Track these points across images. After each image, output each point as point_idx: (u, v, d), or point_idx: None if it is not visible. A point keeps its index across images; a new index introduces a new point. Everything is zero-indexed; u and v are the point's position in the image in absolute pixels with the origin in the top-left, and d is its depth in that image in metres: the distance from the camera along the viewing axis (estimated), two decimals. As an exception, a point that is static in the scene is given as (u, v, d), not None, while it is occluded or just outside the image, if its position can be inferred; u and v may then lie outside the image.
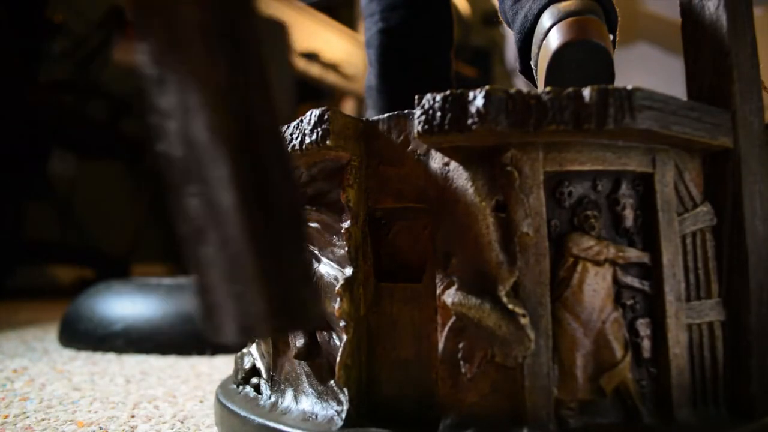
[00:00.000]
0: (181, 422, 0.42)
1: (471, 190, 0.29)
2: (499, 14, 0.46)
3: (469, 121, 0.28)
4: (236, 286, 0.17)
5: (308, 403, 0.33)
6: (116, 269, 1.68)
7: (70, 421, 0.41)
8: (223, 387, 0.41)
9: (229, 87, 0.16)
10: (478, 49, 2.04)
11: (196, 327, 0.70)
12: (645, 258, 0.31)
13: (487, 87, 0.28)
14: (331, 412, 0.32)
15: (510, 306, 0.28)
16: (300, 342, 0.34)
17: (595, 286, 0.29)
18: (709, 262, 0.33)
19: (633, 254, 0.30)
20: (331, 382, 0.32)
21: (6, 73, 1.43)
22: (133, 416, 0.43)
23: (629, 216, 0.31)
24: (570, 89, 0.28)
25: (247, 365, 0.40)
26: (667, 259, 0.31)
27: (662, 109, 0.29)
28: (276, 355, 0.37)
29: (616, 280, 0.30)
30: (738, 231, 0.32)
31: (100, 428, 0.39)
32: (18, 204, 1.58)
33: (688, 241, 0.32)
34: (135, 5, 0.19)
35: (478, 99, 0.28)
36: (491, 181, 0.29)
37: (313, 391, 0.33)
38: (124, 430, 0.39)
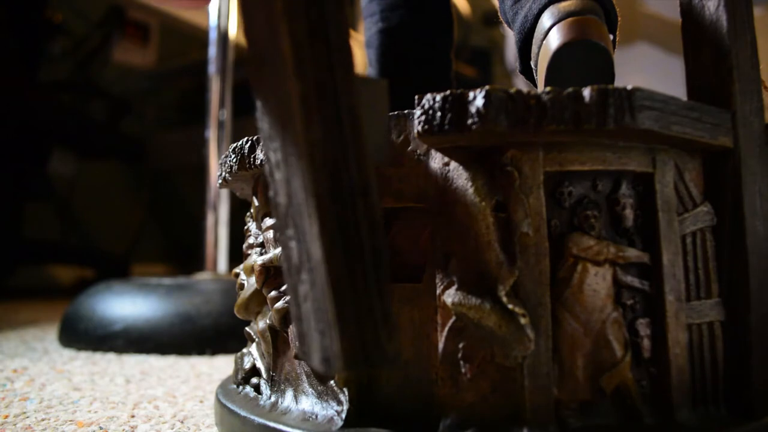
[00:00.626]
0: (181, 422, 0.42)
1: (471, 190, 0.29)
2: (499, 14, 0.46)
3: (469, 121, 0.28)
4: (320, 323, 0.19)
5: (308, 403, 0.33)
6: (116, 269, 1.69)
7: (70, 421, 0.41)
8: (223, 387, 0.41)
9: (322, 148, 0.19)
10: (478, 49, 2.04)
11: (196, 327, 0.70)
12: (645, 258, 0.31)
13: (487, 87, 0.28)
14: (331, 412, 0.32)
15: (510, 306, 0.28)
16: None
17: (595, 286, 0.29)
18: (709, 262, 0.33)
19: (633, 254, 0.30)
20: (331, 382, 0.32)
21: (6, 73, 1.43)
22: (133, 416, 0.43)
23: (629, 216, 0.31)
24: (570, 89, 0.28)
25: (247, 365, 0.40)
26: (667, 259, 0.31)
27: (662, 110, 0.29)
28: (276, 356, 0.37)
29: (616, 280, 0.30)
30: (738, 231, 0.32)
31: (100, 428, 0.39)
32: (18, 204, 1.58)
33: (688, 241, 0.32)
34: (252, 81, 0.22)
35: (478, 99, 0.28)
36: (491, 181, 0.29)
37: (313, 391, 0.33)
38: (124, 430, 0.39)
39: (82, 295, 0.77)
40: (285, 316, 0.35)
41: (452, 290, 0.29)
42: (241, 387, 0.40)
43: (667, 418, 0.30)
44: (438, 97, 0.28)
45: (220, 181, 0.42)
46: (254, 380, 0.39)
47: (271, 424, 0.32)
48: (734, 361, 0.32)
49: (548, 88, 0.28)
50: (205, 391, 0.51)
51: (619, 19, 0.38)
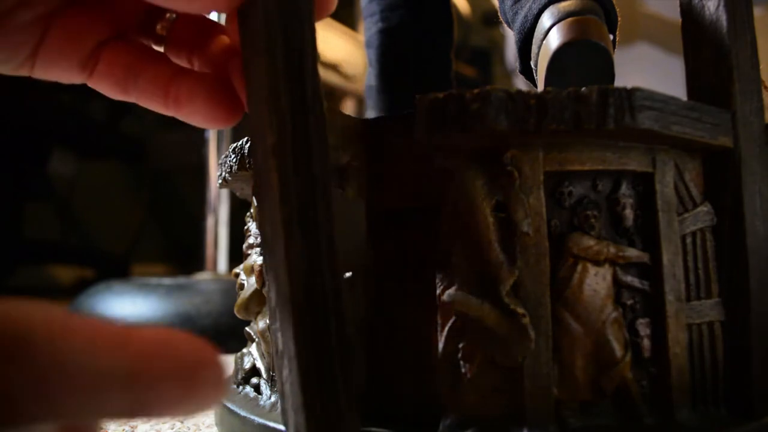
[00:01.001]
0: (181, 422, 0.42)
1: (471, 190, 0.29)
2: (499, 14, 0.46)
3: (470, 122, 0.28)
4: (295, 404, 0.23)
5: (308, 403, 0.34)
6: (116, 269, 1.69)
7: (70, 421, 0.41)
8: None
9: (299, 260, 0.22)
10: (478, 49, 2.04)
11: (196, 327, 0.70)
12: (645, 258, 0.31)
13: (487, 87, 0.28)
14: (331, 412, 0.32)
15: (511, 306, 0.28)
16: None
17: (595, 286, 0.29)
18: (709, 262, 0.33)
19: (633, 254, 0.30)
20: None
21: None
22: (132, 416, 0.43)
23: (629, 216, 0.31)
24: (570, 89, 0.28)
25: (247, 365, 0.40)
26: (667, 259, 0.31)
27: (662, 110, 0.29)
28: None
29: (616, 280, 0.30)
30: (738, 231, 0.32)
31: (100, 428, 0.39)
32: (18, 204, 1.58)
33: (688, 241, 0.32)
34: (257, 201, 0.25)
35: (478, 99, 0.28)
36: (491, 181, 0.29)
37: (313, 391, 0.34)
38: (124, 430, 0.39)
39: (82, 295, 0.77)
40: None
41: (452, 290, 0.29)
42: (241, 387, 0.40)
43: (667, 418, 0.30)
44: (438, 98, 0.28)
45: (220, 181, 0.42)
46: (254, 380, 0.39)
47: (271, 424, 0.32)
48: (734, 361, 0.32)
49: (548, 88, 0.28)
50: (205, 391, 0.51)
51: (619, 19, 0.38)
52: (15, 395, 0.15)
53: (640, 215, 0.31)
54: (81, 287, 0.89)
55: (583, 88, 0.28)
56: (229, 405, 0.37)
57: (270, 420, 0.33)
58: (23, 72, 0.29)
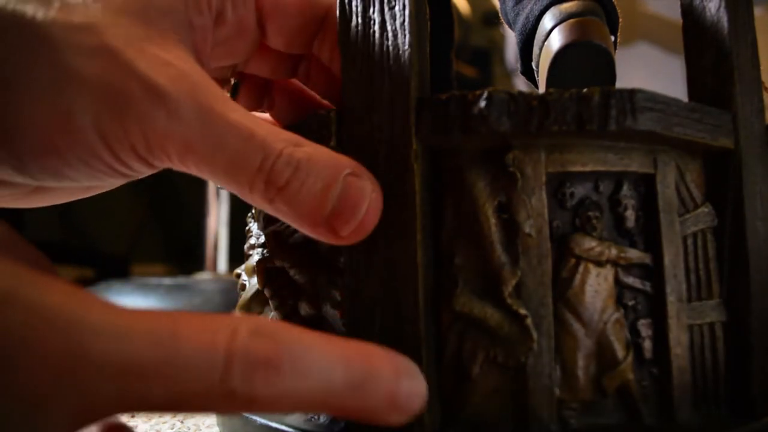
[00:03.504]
0: (181, 422, 0.42)
1: (474, 192, 0.29)
2: (500, 15, 0.46)
3: (472, 123, 0.28)
4: None
5: (310, 403, 0.34)
6: (116, 269, 1.69)
7: (71, 421, 0.41)
8: None
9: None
10: (478, 49, 2.04)
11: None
12: (646, 259, 0.31)
13: (489, 88, 0.28)
14: (333, 412, 0.32)
15: (513, 307, 0.28)
16: None
17: (597, 287, 0.30)
18: (710, 263, 0.33)
19: (635, 255, 0.30)
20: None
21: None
22: (133, 416, 0.43)
23: (631, 217, 0.31)
24: (571, 90, 0.28)
25: None
26: (668, 260, 0.31)
27: (664, 111, 0.29)
28: None
29: (617, 281, 0.30)
30: (739, 232, 0.32)
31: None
32: (18, 204, 1.57)
33: (689, 242, 0.32)
34: None
35: (480, 100, 0.28)
36: (493, 183, 0.29)
37: (315, 392, 0.33)
38: (124, 430, 0.39)
39: (83, 295, 0.77)
40: (286, 318, 0.35)
41: (455, 291, 0.29)
42: None
43: (668, 419, 0.30)
44: (440, 99, 0.28)
45: None
46: None
47: (273, 425, 0.32)
48: (736, 361, 0.32)
49: (550, 90, 0.28)
50: (205, 392, 0.51)
51: (620, 19, 0.38)
52: None
53: (642, 216, 0.31)
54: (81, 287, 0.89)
55: (585, 90, 0.28)
56: None
57: (272, 420, 0.33)
58: None
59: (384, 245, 0.28)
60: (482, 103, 0.27)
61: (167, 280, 0.78)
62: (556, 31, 0.34)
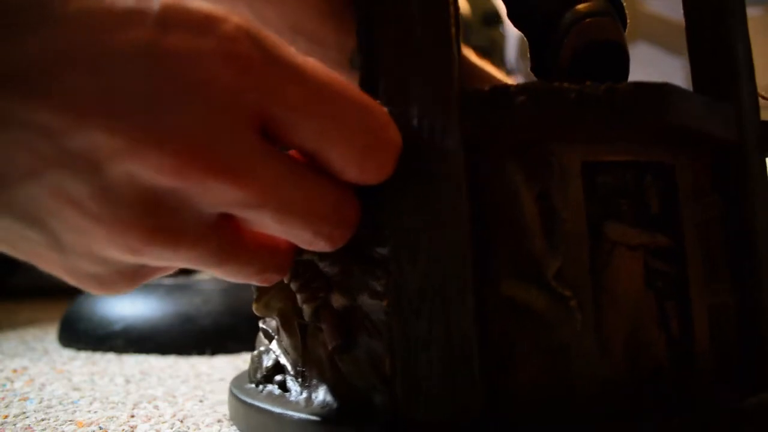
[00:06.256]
0: (181, 422, 0.41)
1: (514, 181, 0.30)
2: (504, 16, 0.46)
3: (515, 114, 0.29)
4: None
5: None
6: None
7: (70, 421, 0.41)
8: (239, 388, 0.40)
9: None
10: (478, 49, 2.04)
11: (196, 327, 0.70)
12: (670, 243, 0.32)
13: (530, 81, 0.29)
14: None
15: (558, 289, 0.29)
16: (335, 338, 0.33)
17: (630, 271, 0.31)
18: (721, 249, 0.34)
19: (662, 240, 0.32)
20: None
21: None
22: (132, 416, 0.42)
23: (655, 204, 0.32)
24: (607, 84, 0.29)
25: (269, 363, 0.39)
26: (689, 244, 0.32)
27: (688, 106, 0.31)
28: (305, 350, 0.36)
29: (646, 265, 0.32)
30: (748, 220, 0.34)
31: (100, 428, 0.39)
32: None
33: (702, 228, 0.34)
34: None
35: (523, 92, 0.29)
36: (532, 172, 0.30)
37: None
38: (123, 430, 0.39)
39: (82, 295, 0.76)
40: (316, 311, 0.34)
41: (501, 276, 0.30)
42: (261, 386, 0.40)
43: (694, 394, 0.31)
44: (485, 91, 0.29)
45: None
46: (278, 377, 0.39)
47: (312, 418, 0.32)
48: (749, 340, 0.34)
49: (587, 83, 0.29)
50: (204, 391, 0.51)
51: (627, 19, 0.39)
52: None
53: (662, 204, 0.33)
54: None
55: (619, 84, 0.29)
56: (257, 403, 0.36)
57: (308, 414, 0.33)
58: None
59: (430, 234, 0.28)
60: (523, 96, 0.28)
61: (167, 280, 0.77)
62: (575, 29, 0.35)
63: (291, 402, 0.36)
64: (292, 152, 0.26)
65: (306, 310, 0.35)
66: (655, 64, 1.35)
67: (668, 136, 0.32)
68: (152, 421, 0.41)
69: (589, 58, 0.35)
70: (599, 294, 0.30)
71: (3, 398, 0.46)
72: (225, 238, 0.26)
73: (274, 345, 0.40)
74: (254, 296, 0.39)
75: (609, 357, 0.30)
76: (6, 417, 0.41)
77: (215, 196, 0.23)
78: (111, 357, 0.65)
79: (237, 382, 0.42)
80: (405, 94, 0.29)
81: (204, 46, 0.22)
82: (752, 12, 1.26)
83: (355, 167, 0.26)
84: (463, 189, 0.28)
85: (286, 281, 0.36)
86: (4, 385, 0.51)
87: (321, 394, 0.35)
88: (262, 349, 0.41)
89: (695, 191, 0.34)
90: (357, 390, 0.33)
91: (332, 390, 0.34)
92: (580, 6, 0.35)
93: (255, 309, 0.40)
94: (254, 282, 0.30)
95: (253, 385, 0.40)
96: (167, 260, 0.25)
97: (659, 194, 0.32)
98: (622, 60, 0.36)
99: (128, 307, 0.70)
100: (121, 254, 0.24)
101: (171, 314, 0.70)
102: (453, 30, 0.29)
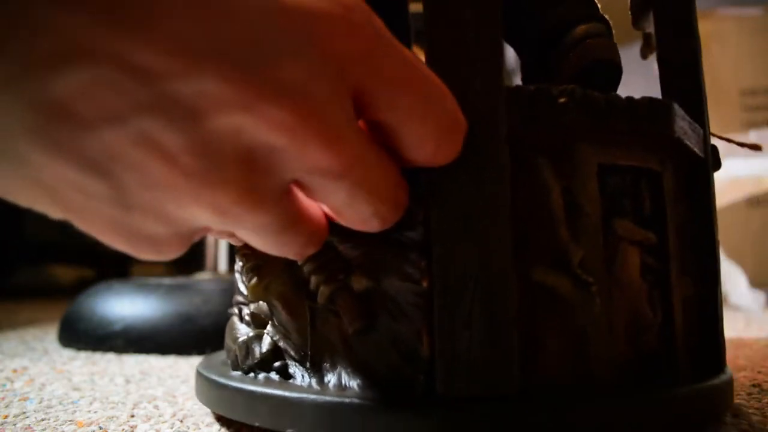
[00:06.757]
0: (181, 421, 0.41)
1: (545, 177, 0.33)
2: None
3: (556, 115, 0.31)
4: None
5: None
6: (116, 269, 1.69)
7: (70, 421, 0.40)
8: (225, 376, 0.39)
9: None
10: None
11: (196, 327, 0.70)
12: (656, 241, 0.37)
13: (569, 85, 0.32)
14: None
15: (583, 276, 0.32)
16: (357, 320, 0.33)
17: (631, 263, 0.35)
18: (688, 247, 0.39)
19: (652, 237, 0.36)
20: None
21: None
22: (132, 416, 0.42)
23: (647, 206, 0.37)
24: (627, 97, 0.33)
25: (264, 348, 0.38)
26: (672, 242, 0.37)
27: (683, 123, 0.36)
28: (314, 333, 0.36)
29: (640, 259, 0.36)
30: (709, 224, 0.40)
31: (100, 428, 0.39)
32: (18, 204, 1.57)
33: (679, 229, 0.38)
34: None
35: (564, 95, 0.32)
36: (559, 169, 0.33)
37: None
38: (123, 429, 0.39)
39: (82, 295, 0.76)
40: (336, 291, 0.34)
41: (532, 262, 0.32)
42: (254, 373, 0.39)
43: (675, 375, 0.36)
44: (530, 90, 0.31)
45: None
46: (277, 363, 0.38)
47: (335, 399, 0.32)
48: (705, 326, 0.39)
49: (612, 94, 0.33)
50: (204, 391, 0.51)
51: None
52: None
53: (652, 206, 0.37)
54: (81, 287, 0.89)
55: (636, 98, 0.33)
56: (264, 390, 0.35)
57: (326, 395, 0.32)
58: None
59: (475, 220, 0.30)
60: (564, 98, 0.31)
61: (167, 280, 0.77)
62: (580, 48, 0.39)
63: (302, 386, 0.35)
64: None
65: (323, 291, 0.34)
66: (655, 64, 1.35)
67: (661, 145, 0.36)
68: (152, 421, 0.41)
69: (589, 74, 0.39)
70: (611, 284, 0.34)
71: (3, 398, 0.46)
72: (290, 206, 0.25)
73: (269, 329, 0.38)
74: (249, 280, 0.39)
75: (616, 339, 0.33)
76: (6, 417, 0.41)
77: (308, 160, 0.22)
78: (111, 357, 0.65)
79: (212, 371, 0.40)
80: (457, 86, 0.30)
81: (324, 6, 0.21)
82: (752, 12, 1.26)
83: (432, 146, 0.26)
84: (506, 179, 0.30)
85: (300, 262, 0.35)
86: (4, 385, 0.51)
87: (334, 378, 0.34)
88: (249, 335, 0.39)
89: (675, 196, 0.38)
90: (375, 372, 0.33)
91: (348, 373, 0.34)
92: (581, 28, 0.39)
93: (251, 293, 0.39)
94: (291, 255, 0.29)
95: (240, 373, 0.39)
96: (240, 224, 0.24)
97: (650, 197, 0.37)
98: (615, 76, 0.40)
99: (128, 307, 0.70)
100: (202, 213, 0.22)
101: (171, 314, 0.70)
102: (500, 31, 0.31)
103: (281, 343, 0.38)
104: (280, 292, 0.37)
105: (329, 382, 0.35)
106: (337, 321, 0.35)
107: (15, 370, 0.57)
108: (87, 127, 0.19)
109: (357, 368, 0.34)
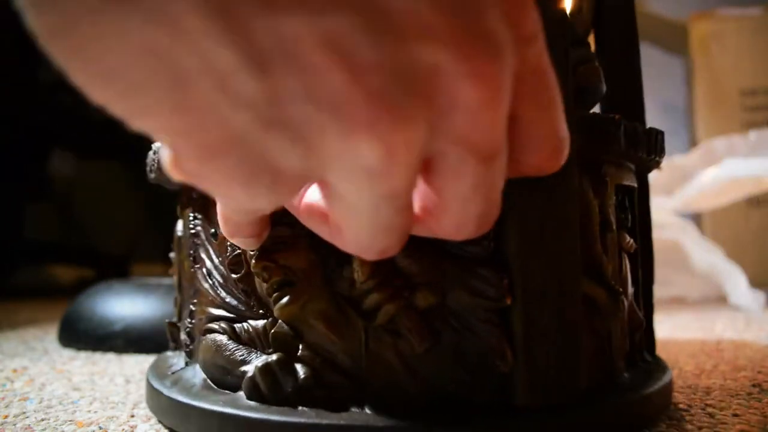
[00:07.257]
0: (181, 422, 0.42)
1: (591, 196, 0.36)
2: None
3: (611, 141, 0.36)
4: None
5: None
6: (116, 269, 1.68)
7: (70, 421, 0.41)
8: (263, 410, 0.32)
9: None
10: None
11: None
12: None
13: (616, 114, 0.36)
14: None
15: (616, 286, 0.36)
16: (426, 339, 0.32)
17: (627, 271, 0.40)
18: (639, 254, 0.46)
19: (634, 245, 0.42)
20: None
21: (6, 73, 1.43)
22: (132, 416, 0.42)
23: (630, 219, 0.42)
24: (637, 126, 0.38)
25: (302, 374, 0.33)
26: (642, 250, 0.43)
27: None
28: (368, 354, 0.33)
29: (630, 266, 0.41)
30: (648, 233, 0.45)
31: (100, 428, 0.39)
32: (18, 204, 1.58)
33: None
34: None
35: (616, 124, 0.36)
36: (596, 188, 0.36)
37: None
38: (123, 430, 0.39)
39: (82, 295, 0.76)
40: (401, 309, 0.33)
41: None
42: (289, 405, 0.33)
43: (657, 365, 0.42)
44: (595, 119, 0.36)
45: (151, 175, 0.42)
46: (320, 392, 0.33)
47: (415, 424, 0.31)
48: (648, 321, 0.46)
49: (634, 123, 0.38)
50: (204, 391, 0.51)
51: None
52: None
53: (632, 219, 0.43)
54: (81, 287, 0.89)
55: (647, 127, 0.39)
56: (326, 422, 0.31)
57: (399, 420, 0.30)
58: None
59: (551, 235, 0.31)
60: (623, 126, 0.36)
61: (167, 280, 0.76)
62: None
63: (360, 413, 0.31)
64: None
65: (388, 310, 0.32)
66: (655, 64, 1.34)
67: (637, 164, 0.42)
68: (152, 421, 0.41)
69: (577, 97, 0.42)
70: (624, 289, 0.38)
71: (3, 398, 0.46)
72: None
73: (304, 353, 0.33)
74: (277, 299, 0.34)
75: (626, 339, 0.39)
76: (6, 417, 0.41)
77: (474, 130, 0.20)
78: (111, 357, 0.65)
79: (239, 407, 0.32)
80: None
81: None
82: (752, 12, 1.26)
83: (548, 151, 0.25)
84: (575, 195, 0.32)
85: (362, 279, 0.32)
86: (4, 385, 0.51)
87: (394, 400, 0.32)
88: (269, 359, 0.33)
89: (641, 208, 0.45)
90: (441, 389, 0.32)
91: (410, 393, 0.32)
92: (575, 54, 0.42)
93: (283, 313, 0.33)
94: (370, 256, 0.25)
95: (265, 404, 0.33)
96: (404, 174, 0.20)
97: (631, 212, 0.42)
98: (599, 97, 0.44)
99: (128, 307, 0.70)
100: (358, 150, 0.18)
101: (171, 314, 0.70)
102: (569, 53, 0.32)
103: (319, 367, 0.33)
104: (321, 311, 0.33)
105: (391, 405, 0.32)
106: (392, 340, 0.32)
107: (15, 370, 0.57)
108: (270, 10, 0.15)
109: (421, 388, 0.32)
